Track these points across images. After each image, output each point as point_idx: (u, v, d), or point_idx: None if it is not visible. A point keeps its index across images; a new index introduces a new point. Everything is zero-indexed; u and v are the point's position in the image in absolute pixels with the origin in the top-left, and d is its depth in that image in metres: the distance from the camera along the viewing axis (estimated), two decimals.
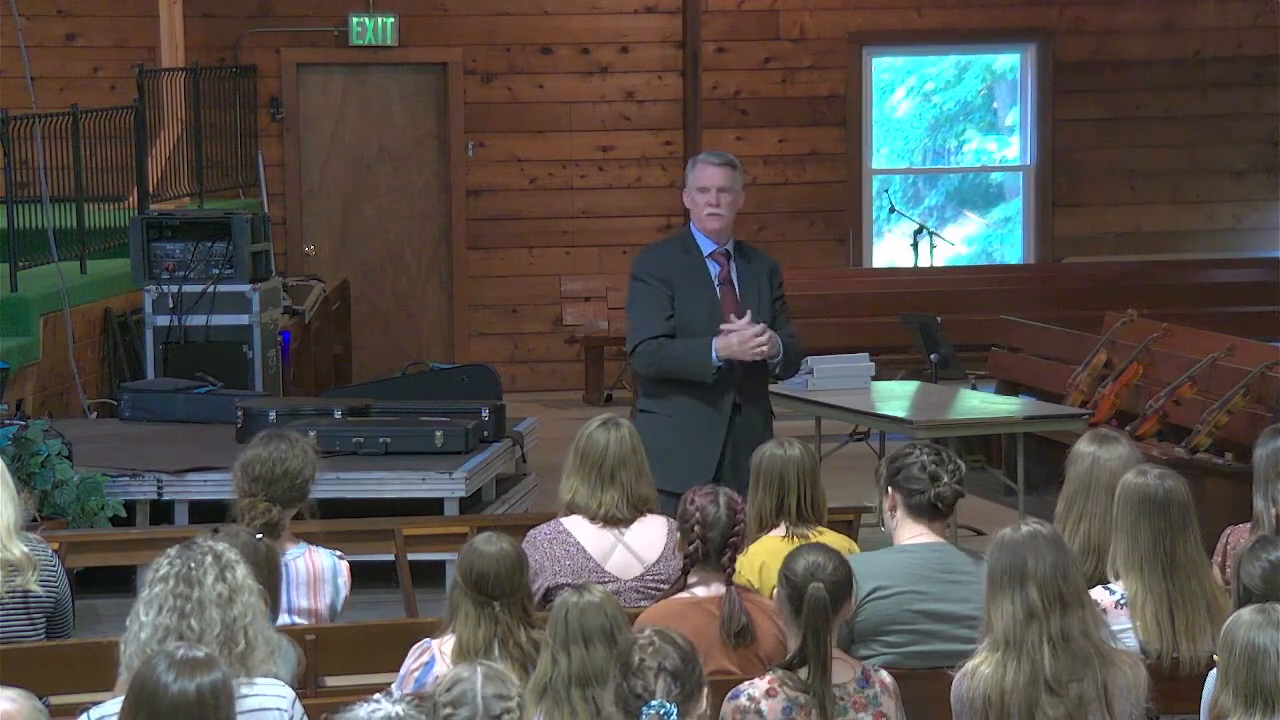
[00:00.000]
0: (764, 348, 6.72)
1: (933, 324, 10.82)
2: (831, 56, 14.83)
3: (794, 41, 14.80)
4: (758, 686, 4.50)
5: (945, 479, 5.09)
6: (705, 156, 6.94)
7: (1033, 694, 4.38)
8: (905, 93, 15.53)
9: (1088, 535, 5.31)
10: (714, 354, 6.72)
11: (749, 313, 6.74)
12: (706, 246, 6.87)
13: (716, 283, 6.83)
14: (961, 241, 15.49)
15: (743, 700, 4.48)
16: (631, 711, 3.87)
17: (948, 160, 15.69)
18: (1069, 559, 4.54)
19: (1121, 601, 4.97)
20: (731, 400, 6.78)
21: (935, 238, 14.78)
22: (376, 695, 3.48)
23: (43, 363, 10.60)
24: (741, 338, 6.70)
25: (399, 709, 3.42)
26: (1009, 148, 15.56)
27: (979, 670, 4.46)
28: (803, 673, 4.48)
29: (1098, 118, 15.12)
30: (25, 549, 5.43)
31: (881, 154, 15.32)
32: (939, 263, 14.81)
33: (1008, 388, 11.20)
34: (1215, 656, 4.18)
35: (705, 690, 3.96)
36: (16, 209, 10.75)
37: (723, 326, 6.73)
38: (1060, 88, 15.10)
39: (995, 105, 15.60)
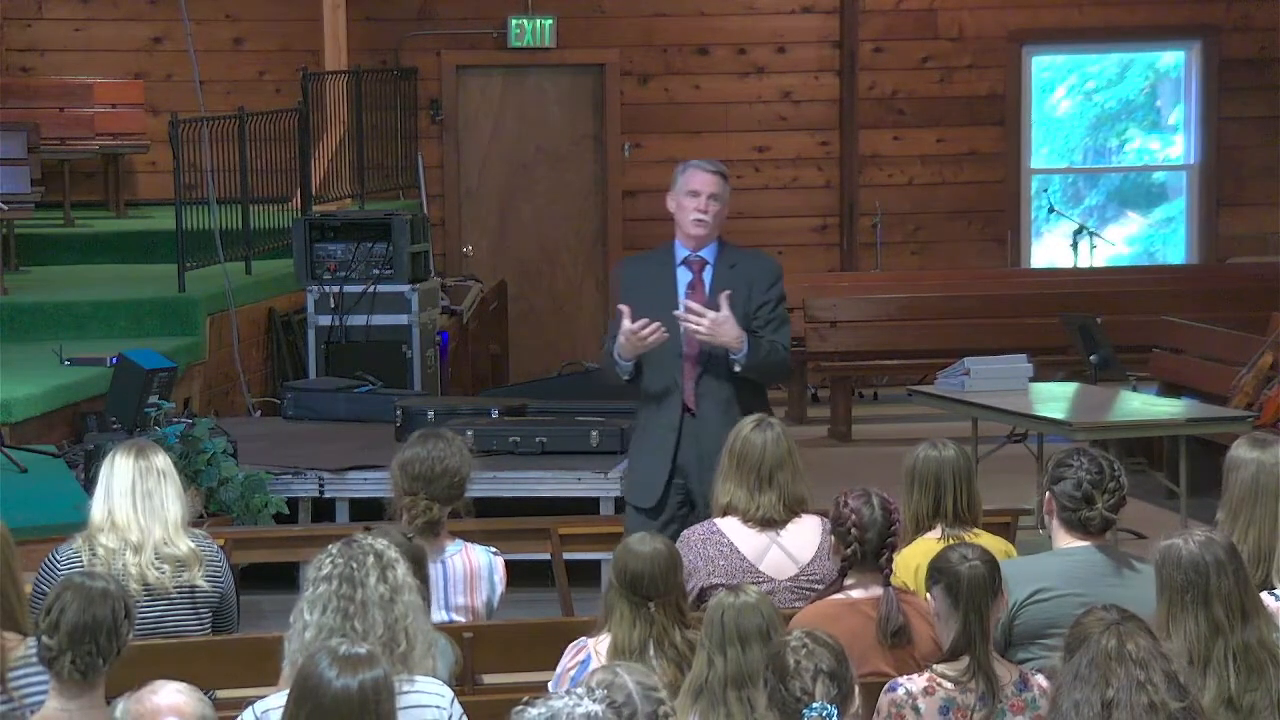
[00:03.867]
0: (700, 330, 6.32)
1: (1092, 325, 10.67)
2: (990, 55, 14.70)
3: (952, 40, 14.69)
4: (916, 683, 4.49)
5: (1099, 503, 4.98)
6: (697, 163, 6.60)
7: (1214, 709, 4.30)
8: (1066, 91, 15.35)
9: (1256, 544, 5.20)
10: (616, 356, 6.48)
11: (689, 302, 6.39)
12: (680, 254, 6.59)
13: (684, 290, 6.54)
14: (1123, 241, 15.28)
15: (899, 694, 4.47)
16: (790, 713, 3.86)
17: (1109, 159, 15.48)
18: (1245, 567, 4.47)
19: None
20: (680, 405, 6.50)
21: (1095, 238, 14.60)
22: (577, 689, 3.39)
23: (209, 362, 10.80)
24: (632, 328, 6.31)
25: (599, 709, 3.32)
26: (1172, 146, 15.33)
27: None
28: (962, 663, 4.46)
29: (1264, 115, 14.83)
30: (192, 545, 5.54)
31: (1041, 153, 15.16)
32: (1099, 263, 14.63)
33: (1170, 390, 11.03)
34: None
35: (857, 690, 3.95)
36: (185, 211, 10.98)
37: (675, 314, 6.41)
38: (1226, 85, 14.85)
39: (1159, 103, 15.37)
